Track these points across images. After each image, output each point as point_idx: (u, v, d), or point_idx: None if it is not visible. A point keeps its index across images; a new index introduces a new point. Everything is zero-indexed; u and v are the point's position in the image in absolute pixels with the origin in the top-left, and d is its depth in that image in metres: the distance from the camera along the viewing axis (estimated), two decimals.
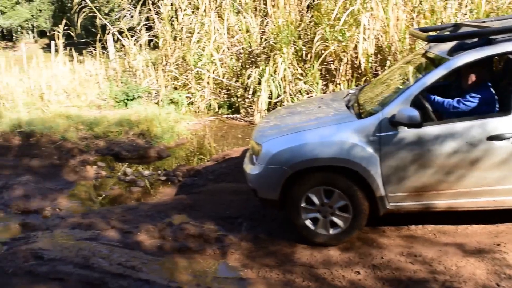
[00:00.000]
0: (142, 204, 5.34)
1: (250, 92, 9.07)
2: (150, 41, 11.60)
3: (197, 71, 9.85)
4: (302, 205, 3.86)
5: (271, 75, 8.71)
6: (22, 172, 6.50)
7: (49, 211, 5.26)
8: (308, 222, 3.91)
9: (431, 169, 3.65)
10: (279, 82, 8.68)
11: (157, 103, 9.67)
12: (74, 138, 7.58)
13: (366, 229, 4.11)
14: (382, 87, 4.42)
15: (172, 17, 10.87)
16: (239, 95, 9.39)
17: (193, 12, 10.73)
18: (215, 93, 9.82)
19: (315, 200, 3.84)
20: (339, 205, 3.82)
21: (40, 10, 25.47)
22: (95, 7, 12.12)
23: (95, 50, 11.92)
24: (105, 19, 12.30)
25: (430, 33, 4.23)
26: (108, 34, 12.05)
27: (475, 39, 3.74)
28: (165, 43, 10.79)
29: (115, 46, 12.26)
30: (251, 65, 9.59)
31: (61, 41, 11.92)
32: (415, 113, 3.46)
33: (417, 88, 3.66)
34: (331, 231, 3.91)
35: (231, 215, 4.68)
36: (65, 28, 12.21)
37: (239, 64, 9.86)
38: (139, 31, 11.56)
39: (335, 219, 3.87)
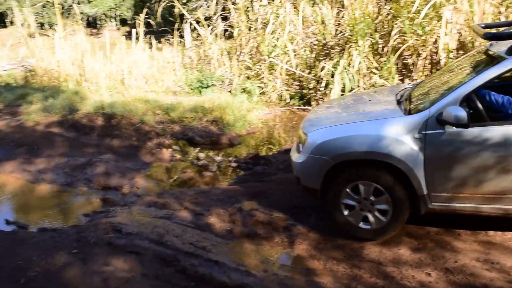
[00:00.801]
0: (214, 189, 5.49)
1: (323, 85, 8.98)
2: (225, 30, 11.80)
3: (270, 62, 9.91)
4: (343, 201, 3.89)
5: (345, 68, 8.57)
6: (104, 151, 6.93)
7: (127, 189, 5.57)
8: (350, 218, 3.93)
9: (476, 171, 3.50)
10: (353, 75, 8.52)
11: (230, 91, 9.86)
12: (151, 122, 7.94)
13: (440, 230, 3.97)
14: (437, 83, 4.23)
15: (247, 7, 10.98)
16: (311, 87, 9.32)
17: (268, 2, 10.77)
18: (287, 84, 9.82)
19: (355, 194, 3.83)
20: (378, 201, 3.79)
21: (123, 0, 26.70)
22: None
23: (173, 38, 12.36)
24: (183, 8, 12.67)
25: (488, 31, 3.98)
26: (185, 23, 12.44)
27: None
28: (240, 33, 10.93)
29: (191, 35, 12.63)
30: (324, 57, 9.48)
31: (141, 29, 12.45)
32: (463, 112, 3.32)
33: (468, 87, 3.48)
34: (372, 226, 3.88)
35: (300, 205, 4.69)
36: (146, 17, 12.73)
37: (313, 55, 9.78)
38: (215, 21, 11.80)
39: (374, 214, 3.85)
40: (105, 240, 3.84)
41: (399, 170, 3.62)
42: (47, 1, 24.40)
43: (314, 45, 9.87)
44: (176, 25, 12.30)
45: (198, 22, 11.93)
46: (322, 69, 9.05)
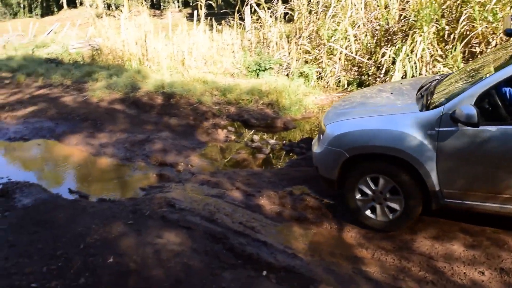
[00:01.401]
0: (266, 171, 5.55)
1: (383, 71, 8.73)
2: (285, 14, 11.71)
3: (329, 46, 9.75)
4: (358, 195, 3.95)
5: (407, 55, 8.28)
6: (162, 129, 7.16)
7: (182, 166, 5.73)
8: (368, 212, 3.98)
9: (487, 171, 3.40)
10: (415, 63, 8.22)
11: (287, 75, 9.82)
12: (208, 102, 8.10)
13: (497, 229, 3.80)
14: (462, 77, 4.04)
15: None
16: (370, 73, 9.09)
17: None
18: (345, 70, 9.63)
19: (368, 188, 3.88)
20: (390, 195, 3.81)
21: None
22: None
23: (233, 21, 12.42)
24: None
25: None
26: (246, 5, 12.45)
27: None
28: (300, 17, 10.81)
29: (251, 17, 12.64)
30: (386, 43, 9.19)
31: (202, 11, 12.62)
32: (473, 112, 3.22)
33: (486, 84, 3.33)
34: (389, 217, 3.89)
35: None
36: None
37: (374, 41, 9.51)
38: (276, 4, 11.74)
39: (389, 206, 3.87)
40: (159, 214, 4.00)
41: (411, 165, 3.61)
42: None
43: (376, 30, 9.58)
44: (237, 8, 12.35)
45: (258, 4, 11.91)
46: (383, 55, 8.79)
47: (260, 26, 12.11)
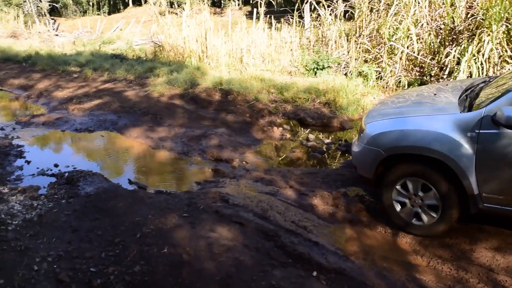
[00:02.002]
0: (320, 171, 5.49)
1: (446, 72, 8.38)
2: (345, 12, 11.52)
3: (390, 45, 9.48)
4: (398, 207, 3.90)
5: (474, 55, 7.89)
6: (219, 125, 7.29)
7: (237, 163, 5.80)
8: (415, 221, 3.87)
9: None
10: (481, 64, 7.82)
11: (345, 74, 9.67)
12: (265, 100, 8.14)
13: None
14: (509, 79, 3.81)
15: None
16: (433, 74, 8.75)
17: None
18: (406, 70, 9.33)
19: (402, 195, 3.84)
20: (424, 193, 3.73)
21: None
22: None
23: (292, 19, 12.38)
24: None
25: None
26: (305, 3, 12.37)
27: None
28: (360, 15, 10.60)
29: (311, 15, 12.55)
30: (451, 43, 8.80)
31: (262, 9, 12.67)
32: None
33: None
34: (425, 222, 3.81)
35: None
36: None
37: (438, 40, 9.13)
38: (336, 2, 11.57)
39: (428, 205, 3.76)
40: (213, 208, 4.09)
41: (447, 166, 3.52)
42: None
43: (440, 29, 9.19)
44: (296, 5, 12.30)
45: (318, 2, 11.79)
46: (447, 56, 8.43)
47: (319, 24, 11.99)
